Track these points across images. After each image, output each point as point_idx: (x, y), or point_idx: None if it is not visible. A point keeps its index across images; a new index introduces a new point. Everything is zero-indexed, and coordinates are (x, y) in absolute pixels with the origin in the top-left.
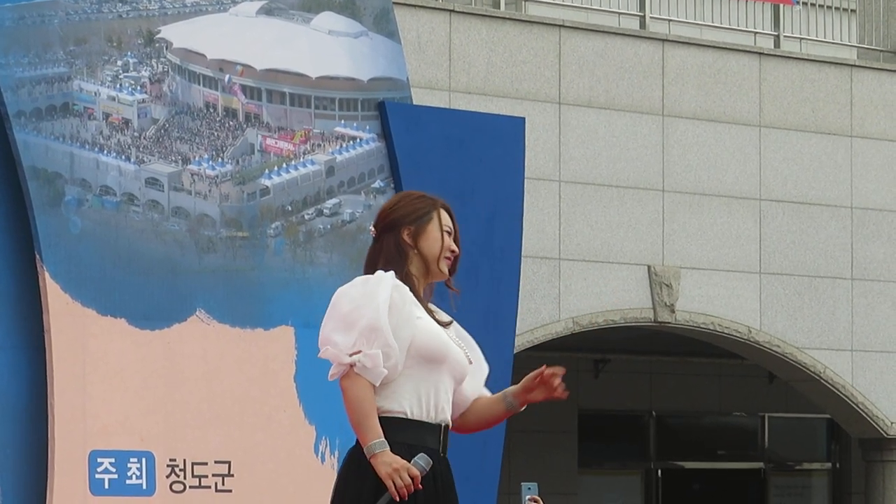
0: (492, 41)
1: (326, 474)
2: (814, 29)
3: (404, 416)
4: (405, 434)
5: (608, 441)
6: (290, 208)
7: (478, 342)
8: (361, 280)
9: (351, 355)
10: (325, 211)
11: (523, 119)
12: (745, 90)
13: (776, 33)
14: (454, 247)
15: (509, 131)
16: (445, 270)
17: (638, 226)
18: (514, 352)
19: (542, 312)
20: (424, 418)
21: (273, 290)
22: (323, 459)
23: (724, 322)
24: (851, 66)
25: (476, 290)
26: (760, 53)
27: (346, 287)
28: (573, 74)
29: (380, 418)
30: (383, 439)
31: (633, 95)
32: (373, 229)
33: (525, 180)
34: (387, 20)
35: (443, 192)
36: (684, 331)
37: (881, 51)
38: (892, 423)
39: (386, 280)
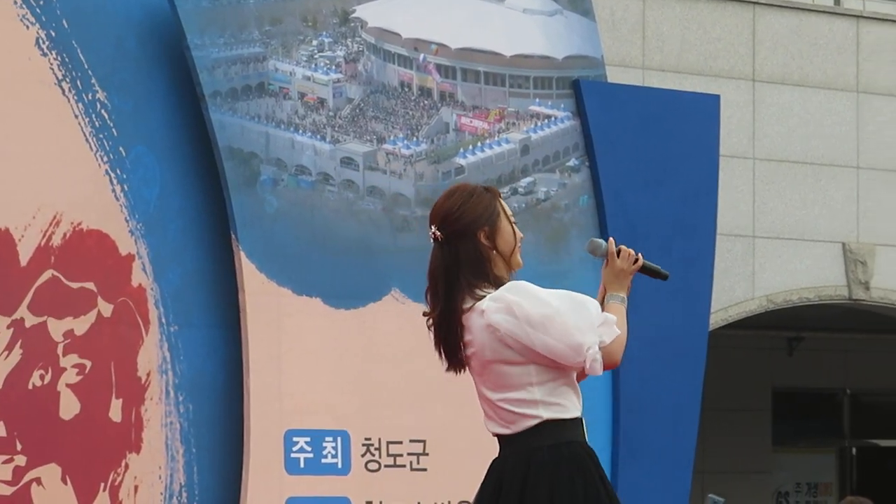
0: (685, 18)
1: None
2: None
3: (577, 417)
4: (577, 432)
5: (802, 419)
6: None
7: (672, 320)
8: (513, 296)
9: (590, 349)
10: (519, 189)
11: (718, 96)
12: None
13: None
14: (521, 235)
15: (703, 109)
16: (521, 261)
17: (832, 203)
18: (709, 329)
19: (736, 290)
20: (578, 415)
21: None
22: None
23: None
24: None
25: (670, 267)
26: None
27: (511, 310)
28: (767, 51)
29: (572, 421)
30: (613, 294)
31: (828, 72)
32: (438, 233)
33: (719, 158)
34: None
35: (638, 170)
36: (879, 308)
37: None
38: None
39: (527, 284)
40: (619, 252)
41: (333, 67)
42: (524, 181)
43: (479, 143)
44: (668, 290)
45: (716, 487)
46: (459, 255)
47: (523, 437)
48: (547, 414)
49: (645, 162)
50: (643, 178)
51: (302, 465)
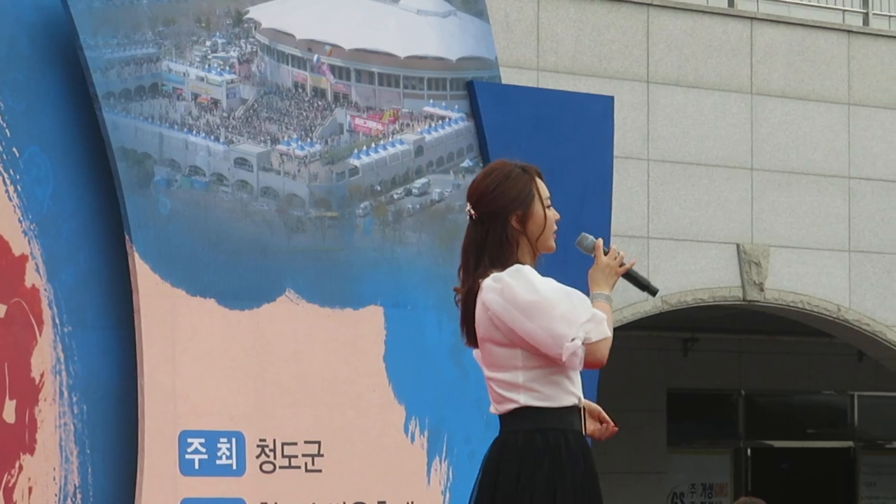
0: (579, 20)
1: (416, 453)
2: None
3: (564, 406)
4: (564, 420)
5: (697, 420)
6: (378, 188)
7: None
8: (509, 279)
9: (573, 340)
10: (413, 190)
11: (612, 98)
12: (833, 68)
13: (865, 11)
14: (557, 215)
15: (598, 110)
16: (554, 244)
17: (727, 204)
18: None
19: (630, 291)
20: (572, 404)
21: (362, 269)
22: (413, 439)
23: (812, 300)
24: None
25: (566, 268)
26: (849, 31)
27: (501, 291)
28: (661, 53)
29: (556, 409)
30: (597, 294)
31: (722, 74)
32: (473, 211)
33: (614, 159)
34: (475, 0)
35: None
36: (773, 309)
37: None
38: None
39: (530, 270)
40: (607, 252)
41: (227, 68)
42: (418, 182)
43: (373, 144)
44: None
45: (611, 488)
46: (488, 236)
47: (506, 420)
48: (524, 400)
49: (539, 163)
50: None
51: (196, 466)
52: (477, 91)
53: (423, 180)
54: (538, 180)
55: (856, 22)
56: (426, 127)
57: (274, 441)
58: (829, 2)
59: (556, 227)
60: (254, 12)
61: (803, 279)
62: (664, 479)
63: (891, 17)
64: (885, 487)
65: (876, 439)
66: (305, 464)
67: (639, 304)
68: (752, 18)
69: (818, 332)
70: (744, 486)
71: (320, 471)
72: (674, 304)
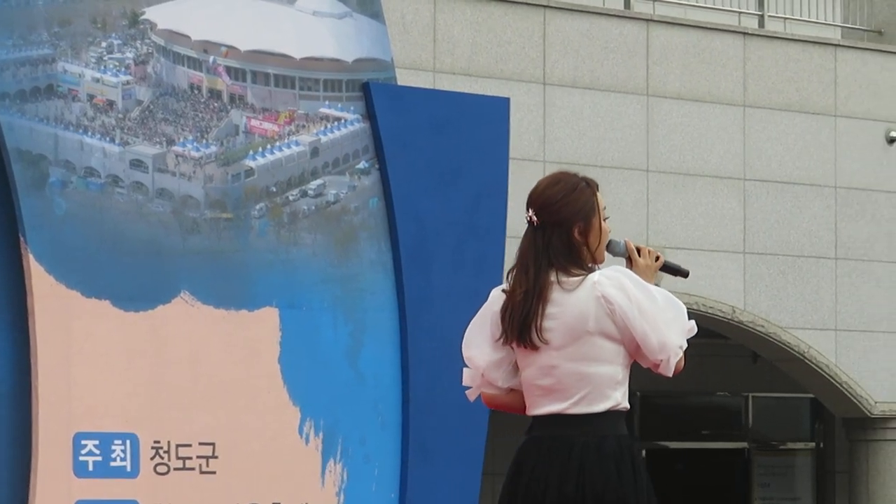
0: (476, 22)
1: (311, 455)
2: (798, 9)
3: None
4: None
5: None
6: (274, 189)
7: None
8: (627, 280)
9: (679, 348)
10: (309, 192)
11: (508, 99)
12: (729, 70)
13: (760, 13)
14: (609, 228)
15: (494, 112)
16: (605, 256)
17: (622, 205)
18: None
19: None
20: None
21: (257, 271)
22: (307, 441)
23: (708, 302)
24: (835, 45)
25: (462, 269)
26: (745, 33)
27: (640, 287)
28: (558, 55)
29: (623, 413)
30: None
31: (618, 75)
32: (535, 218)
33: (510, 160)
34: (371, 1)
35: (428, 172)
36: None
37: (865, 30)
38: (875, 402)
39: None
40: (639, 250)
41: (123, 69)
42: (314, 183)
43: (268, 146)
44: (459, 291)
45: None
46: (552, 243)
47: (594, 420)
48: (622, 400)
49: (435, 164)
50: (433, 181)
51: (91, 468)
52: (373, 92)
53: (318, 182)
54: (598, 194)
55: (751, 24)
56: (322, 128)
57: (168, 443)
58: (725, 4)
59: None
60: (150, 13)
61: (698, 281)
62: None
63: (786, 19)
64: (778, 488)
65: (770, 440)
66: (200, 465)
67: None
68: (648, 20)
69: (713, 333)
70: None
71: (214, 472)
72: None
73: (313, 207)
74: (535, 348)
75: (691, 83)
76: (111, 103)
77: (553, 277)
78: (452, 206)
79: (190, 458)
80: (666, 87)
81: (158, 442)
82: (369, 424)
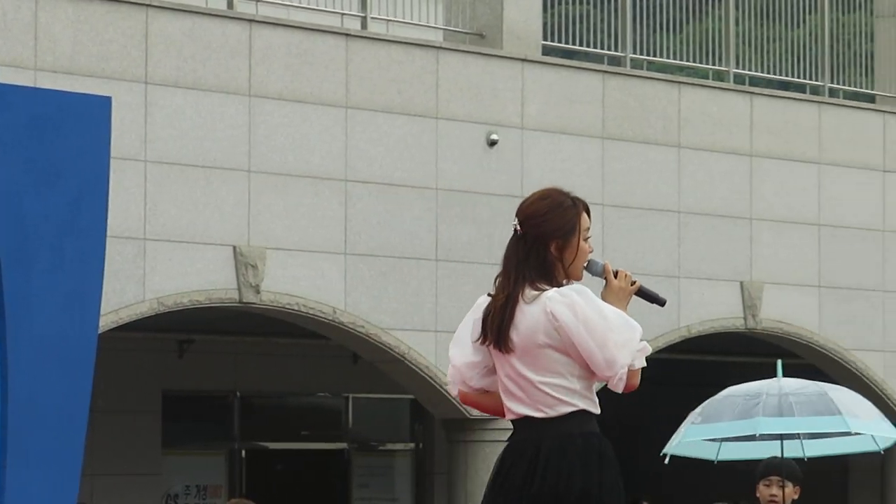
0: (78, 20)
1: None
2: (401, 11)
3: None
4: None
5: (193, 421)
6: None
7: (62, 323)
8: (579, 298)
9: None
10: None
11: (109, 98)
12: (332, 71)
13: (363, 15)
14: (591, 248)
15: (94, 110)
16: (581, 275)
17: (224, 206)
18: (99, 332)
19: (126, 293)
20: None
21: None
22: None
23: (308, 303)
24: (437, 48)
25: (61, 270)
26: (347, 35)
27: (573, 308)
28: (160, 54)
29: (590, 414)
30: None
31: (221, 76)
32: (519, 227)
33: (111, 160)
34: None
35: (28, 171)
36: (269, 311)
37: (467, 33)
38: None
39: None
40: (616, 273)
41: None
42: None
43: None
44: (59, 292)
45: (105, 490)
46: (530, 254)
47: (559, 422)
48: (583, 405)
49: (36, 164)
50: (34, 180)
51: None
52: None
53: None
54: (584, 214)
55: (354, 25)
56: None
57: None
58: (328, 5)
59: (587, 258)
60: None
61: (300, 281)
62: (159, 481)
63: (389, 21)
64: (378, 488)
65: (369, 441)
66: None
67: (135, 306)
68: (251, 21)
69: (314, 334)
70: (238, 488)
71: None
72: (170, 305)
73: None
74: (507, 353)
75: (294, 84)
76: None
77: (523, 289)
78: (53, 205)
79: None
80: (268, 87)
81: None
82: None
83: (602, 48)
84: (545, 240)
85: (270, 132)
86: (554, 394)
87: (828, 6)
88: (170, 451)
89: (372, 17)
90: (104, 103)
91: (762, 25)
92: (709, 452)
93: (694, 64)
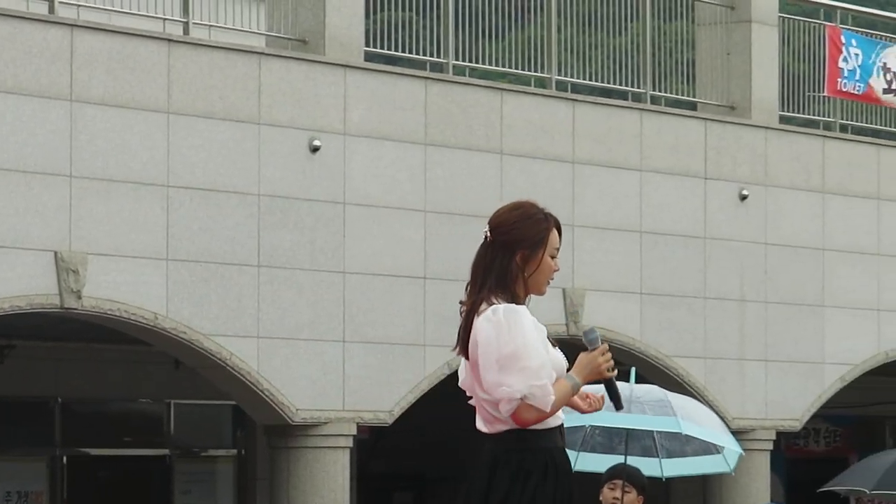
0: None
1: None
2: (223, 16)
3: (557, 426)
4: (549, 440)
5: (13, 427)
6: None
7: None
8: (503, 319)
9: (521, 391)
10: None
11: None
12: (153, 76)
13: (185, 20)
14: (557, 267)
15: None
16: (545, 290)
17: (45, 211)
18: None
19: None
20: (559, 423)
21: None
22: None
23: (130, 308)
24: (260, 53)
25: None
26: (169, 40)
27: (492, 327)
28: None
29: (543, 431)
30: (571, 375)
31: (41, 80)
32: (489, 234)
33: None
34: None
35: None
36: (91, 317)
37: (289, 39)
38: (297, 409)
39: (525, 316)
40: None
41: None
42: None
43: None
44: None
45: None
46: (494, 263)
47: (496, 439)
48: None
49: None
50: None
51: None
52: None
53: None
54: (554, 230)
55: (176, 31)
56: None
57: None
58: (150, 10)
59: (552, 277)
60: None
61: (121, 287)
62: None
63: (211, 26)
64: (200, 495)
65: (192, 447)
66: None
67: None
68: (72, 25)
69: (136, 339)
70: (60, 495)
71: None
72: None
73: None
74: (469, 362)
75: (116, 89)
76: None
77: (483, 299)
78: None
79: None
80: (90, 92)
81: None
82: None
83: (424, 54)
84: (512, 248)
85: (92, 137)
86: (490, 411)
87: (649, 14)
88: None
89: (194, 23)
90: None
91: (584, 33)
92: None
93: (516, 71)
